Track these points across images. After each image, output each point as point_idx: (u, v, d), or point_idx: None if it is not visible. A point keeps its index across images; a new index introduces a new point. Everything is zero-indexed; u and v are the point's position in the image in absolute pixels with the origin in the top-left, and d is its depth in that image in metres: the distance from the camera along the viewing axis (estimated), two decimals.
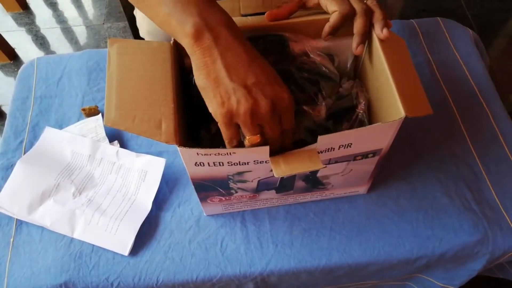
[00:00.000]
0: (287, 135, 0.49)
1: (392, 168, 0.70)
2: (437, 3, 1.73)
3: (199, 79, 0.45)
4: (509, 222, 0.66)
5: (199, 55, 0.44)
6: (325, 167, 0.53)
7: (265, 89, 0.44)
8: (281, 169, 0.46)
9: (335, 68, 0.59)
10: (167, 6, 0.45)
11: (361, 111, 0.57)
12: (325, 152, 0.50)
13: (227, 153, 0.47)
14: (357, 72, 0.62)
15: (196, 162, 0.49)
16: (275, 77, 0.46)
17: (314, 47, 0.57)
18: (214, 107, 0.45)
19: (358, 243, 0.64)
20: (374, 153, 0.55)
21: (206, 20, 0.43)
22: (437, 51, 0.84)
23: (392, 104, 0.48)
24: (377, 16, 0.53)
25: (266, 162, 0.49)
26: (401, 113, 0.46)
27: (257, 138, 0.46)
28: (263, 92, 0.44)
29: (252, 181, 0.56)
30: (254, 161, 0.49)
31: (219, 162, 0.49)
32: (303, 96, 0.56)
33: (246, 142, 0.47)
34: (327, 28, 0.54)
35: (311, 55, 0.57)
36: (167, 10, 0.45)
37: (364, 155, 0.55)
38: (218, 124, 0.46)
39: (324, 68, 0.58)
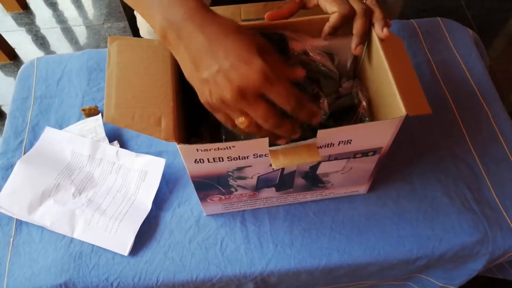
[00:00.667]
0: (298, 107, 0.44)
1: (392, 168, 0.70)
2: (437, 3, 1.73)
3: (184, 73, 0.46)
4: (509, 222, 0.66)
5: (172, 52, 0.45)
6: (323, 159, 0.53)
7: (230, 75, 0.42)
8: (279, 161, 0.47)
9: (334, 67, 0.59)
10: (140, 6, 0.46)
11: (362, 111, 0.57)
12: (324, 147, 0.50)
13: (227, 147, 0.47)
14: (356, 71, 0.62)
15: (195, 159, 0.49)
16: (241, 55, 0.42)
17: (314, 46, 0.57)
18: (198, 97, 0.46)
19: (358, 243, 0.64)
20: (374, 151, 0.55)
21: (168, 18, 0.43)
22: (437, 51, 0.84)
23: (392, 103, 0.48)
24: (377, 15, 0.53)
25: (265, 155, 0.49)
26: (402, 111, 0.46)
27: (243, 120, 0.44)
28: (227, 78, 0.42)
29: (251, 178, 0.56)
30: (253, 155, 0.49)
31: (219, 158, 0.49)
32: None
33: (238, 126, 0.45)
34: (326, 28, 0.54)
35: (311, 54, 0.57)
36: (139, 11, 0.46)
37: (364, 153, 0.55)
38: None
39: (323, 67, 0.58)
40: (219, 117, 0.46)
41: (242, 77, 0.42)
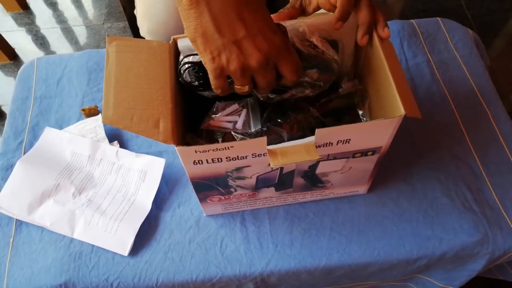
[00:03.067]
0: (298, 79, 0.48)
1: (392, 168, 0.70)
2: (437, 3, 1.72)
3: (188, 31, 0.42)
4: (509, 223, 0.65)
5: (186, 6, 0.41)
6: (322, 158, 0.53)
7: (257, 41, 0.42)
8: (277, 160, 0.47)
9: (336, 54, 0.57)
10: None
11: (362, 110, 0.57)
12: (323, 146, 0.50)
13: (225, 148, 0.47)
14: (357, 72, 0.62)
15: (194, 161, 0.49)
16: (267, 21, 0.43)
17: (315, 29, 0.55)
18: (204, 61, 0.44)
19: (358, 243, 0.64)
20: (373, 151, 0.55)
21: None
22: (437, 51, 0.84)
23: (392, 103, 0.49)
24: (377, 16, 0.53)
25: (264, 155, 0.49)
26: (401, 111, 0.46)
27: (245, 88, 0.47)
28: (255, 45, 0.42)
29: (251, 177, 0.56)
30: (252, 155, 0.49)
31: (218, 158, 0.49)
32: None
33: (236, 89, 0.48)
34: (337, 12, 0.51)
35: (312, 40, 0.55)
36: None
37: (363, 153, 0.54)
38: (208, 72, 0.45)
39: (323, 54, 0.56)
40: (217, 81, 0.45)
41: (269, 43, 0.42)
